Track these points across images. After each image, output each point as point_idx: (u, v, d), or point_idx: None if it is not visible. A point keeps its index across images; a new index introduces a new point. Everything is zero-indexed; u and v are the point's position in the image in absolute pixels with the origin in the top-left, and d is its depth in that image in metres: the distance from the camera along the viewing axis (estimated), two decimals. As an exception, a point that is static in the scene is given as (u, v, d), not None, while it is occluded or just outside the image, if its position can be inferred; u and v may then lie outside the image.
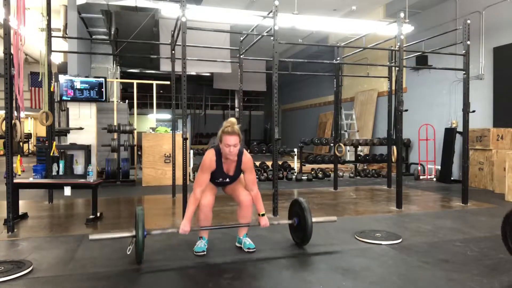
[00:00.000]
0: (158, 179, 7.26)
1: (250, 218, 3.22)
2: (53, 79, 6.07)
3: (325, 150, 13.17)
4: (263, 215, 3.14)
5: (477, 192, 6.42)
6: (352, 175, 8.66)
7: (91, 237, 2.84)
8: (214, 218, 3.32)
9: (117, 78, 10.25)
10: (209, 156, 2.99)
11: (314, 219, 3.21)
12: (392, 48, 6.67)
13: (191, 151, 8.16)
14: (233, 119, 2.98)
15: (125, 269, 2.78)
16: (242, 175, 3.21)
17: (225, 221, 4.18)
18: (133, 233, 2.80)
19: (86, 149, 7.05)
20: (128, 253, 2.77)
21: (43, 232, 3.82)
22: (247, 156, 3.09)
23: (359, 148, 9.16)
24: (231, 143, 2.87)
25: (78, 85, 7.37)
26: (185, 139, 4.19)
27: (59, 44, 9.08)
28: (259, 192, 3.16)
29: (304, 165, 8.69)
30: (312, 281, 2.56)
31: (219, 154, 3.00)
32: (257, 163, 8.56)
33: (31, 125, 20.04)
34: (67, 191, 4.30)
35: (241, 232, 3.25)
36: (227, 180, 3.14)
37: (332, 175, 7.61)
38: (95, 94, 7.47)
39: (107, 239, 2.99)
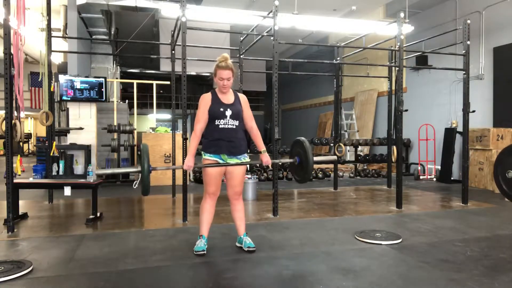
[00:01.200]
0: (158, 179, 7.25)
1: (243, 211, 3.27)
2: (53, 79, 6.07)
3: (325, 150, 13.17)
4: (264, 151, 3.18)
5: (477, 192, 6.42)
6: (352, 175, 8.67)
7: (97, 172, 2.90)
8: (214, 218, 3.32)
9: (117, 78, 10.25)
10: (204, 95, 3.13)
11: (315, 158, 3.26)
12: (392, 48, 6.67)
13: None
14: (226, 54, 3.09)
15: (125, 269, 2.78)
16: (242, 172, 3.20)
17: (225, 221, 4.18)
18: (139, 168, 2.84)
19: (86, 149, 7.05)
20: (134, 187, 2.78)
21: (43, 232, 3.82)
22: (242, 94, 3.24)
23: (359, 148, 9.16)
24: (225, 77, 3.00)
25: (78, 85, 7.37)
26: (185, 139, 4.19)
27: (59, 44, 9.09)
28: (258, 130, 3.22)
29: (304, 165, 8.68)
30: (312, 281, 2.56)
31: (214, 92, 3.12)
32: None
33: (31, 125, 20.04)
34: (67, 191, 4.30)
35: (241, 230, 3.25)
36: (229, 111, 3.04)
37: (332, 175, 7.61)
38: (95, 94, 7.48)
39: (113, 173, 3.02)
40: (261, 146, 3.19)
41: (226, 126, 3.03)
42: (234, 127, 3.06)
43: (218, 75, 3.01)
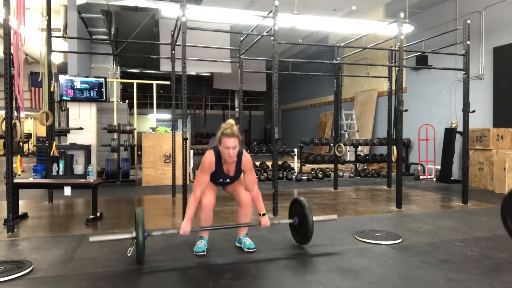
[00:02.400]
0: (158, 179, 7.26)
1: (250, 218, 3.22)
2: (53, 79, 6.07)
3: (325, 150, 13.17)
4: (263, 214, 3.14)
5: (477, 192, 6.42)
6: (352, 175, 8.66)
7: (91, 239, 2.82)
8: (214, 218, 3.32)
9: (117, 78, 10.25)
10: (209, 157, 2.99)
11: (315, 218, 3.20)
12: (392, 48, 6.67)
13: (191, 151, 8.16)
14: (231, 121, 2.98)
15: (125, 269, 2.78)
16: (242, 175, 3.21)
17: (225, 221, 4.18)
18: (134, 234, 2.79)
19: (86, 149, 7.05)
20: (129, 254, 2.77)
21: (43, 232, 3.82)
22: (246, 156, 3.08)
23: (359, 148, 9.16)
24: (230, 145, 2.86)
25: (78, 85, 7.37)
26: (185, 139, 4.19)
27: (59, 44, 9.09)
28: (260, 192, 3.16)
29: (304, 165, 8.70)
30: (312, 281, 2.56)
31: (218, 155, 2.99)
32: (257, 163, 8.56)
33: (31, 125, 20.04)
34: (67, 191, 4.30)
35: (241, 232, 3.25)
36: (228, 180, 3.14)
37: (332, 175, 7.61)
38: (95, 94, 7.47)
39: (107, 241, 2.98)
40: (261, 209, 3.14)
41: (224, 182, 3.17)
42: (230, 183, 3.21)
43: (224, 144, 2.87)
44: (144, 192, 6.45)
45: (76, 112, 7.53)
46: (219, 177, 3.09)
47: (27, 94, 14.86)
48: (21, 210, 4.47)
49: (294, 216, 3.34)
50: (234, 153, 2.91)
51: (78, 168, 7.24)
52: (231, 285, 2.50)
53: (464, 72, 5.29)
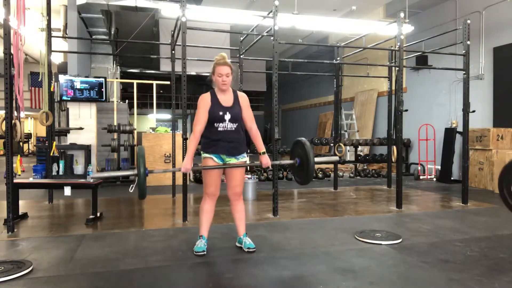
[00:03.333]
0: (158, 179, 7.26)
1: (244, 211, 3.25)
2: (53, 79, 6.07)
3: (325, 150, 13.17)
4: (264, 153, 3.14)
5: (477, 192, 6.42)
6: (352, 175, 8.66)
7: (93, 175, 2.87)
8: (214, 217, 3.33)
9: (117, 78, 10.25)
10: (203, 94, 3.08)
11: (316, 159, 3.18)
12: (392, 48, 6.67)
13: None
14: (223, 54, 3.07)
15: (125, 269, 2.78)
16: (241, 173, 3.20)
17: (225, 221, 4.18)
18: (135, 171, 2.81)
19: (86, 149, 7.05)
20: (131, 191, 2.76)
21: (43, 232, 3.82)
22: (242, 93, 3.18)
23: (359, 148, 9.16)
24: (224, 72, 2.97)
25: (78, 85, 7.37)
26: (185, 139, 4.19)
27: (59, 44, 9.09)
28: (258, 130, 3.18)
29: (304, 165, 8.68)
30: (312, 281, 2.56)
31: (213, 92, 3.08)
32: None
33: (31, 125, 20.04)
34: (67, 191, 4.30)
35: (241, 230, 3.25)
36: (228, 114, 3.02)
37: (332, 175, 7.61)
38: (95, 94, 7.47)
39: (109, 177, 2.98)
40: (261, 148, 3.16)
41: (225, 129, 3.03)
42: (233, 129, 3.05)
43: (217, 72, 3.00)
44: (146, 193, 6.43)
45: (76, 112, 7.53)
46: (217, 111, 3.00)
47: (27, 94, 14.86)
48: (21, 210, 4.47)
49: (295, 157, 3.31)
50: (228, 80, 3.00)
51: (78, 168, 7.24)
52: (231, 285, 2.50)
53: (464, 72, 5.29)
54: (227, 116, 3.02)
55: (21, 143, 13.94)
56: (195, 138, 2.99)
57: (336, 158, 3.56)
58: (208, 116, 3.01)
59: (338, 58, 6.66)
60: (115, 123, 7.78)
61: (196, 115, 3.03)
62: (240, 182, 3.18)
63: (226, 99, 3.07)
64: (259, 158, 3.17)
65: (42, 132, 16.68)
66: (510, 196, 2.63)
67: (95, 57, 10.32)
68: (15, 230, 3.79)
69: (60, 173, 6.73)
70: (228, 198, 3.22)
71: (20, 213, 4.32)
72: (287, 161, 3.40)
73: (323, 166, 9.02)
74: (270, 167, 3.18)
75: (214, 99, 3.05)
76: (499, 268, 2.81)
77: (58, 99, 7.31)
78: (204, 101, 3.03)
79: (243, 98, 3.15)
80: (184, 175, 4.23)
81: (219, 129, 3.02)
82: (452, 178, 7.66)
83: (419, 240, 3.52)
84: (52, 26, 5.34)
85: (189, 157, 2.97)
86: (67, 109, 7.63)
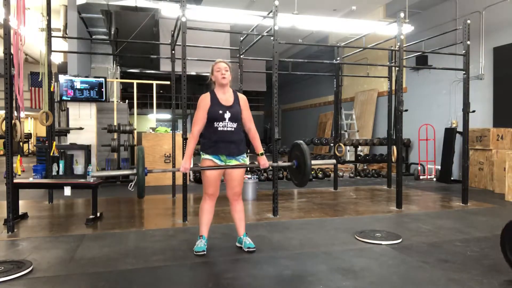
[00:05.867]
0: (158, 179, 7.26)
1: (243, 212, 3.26)
2: (53, 79, 6.07)
3: (325, 150, 13.16)
4: (262, 154, 3.16)
5: (477, 192, 6.42)
6: (352, 175, 8.66)
7: (93, 174, 2.89)
8: (214, 217, 3.33)
9: (117, 78, 10.25)
10: (203, 96, 3.10)
11: (313, 162, 3.22)
12: (392, 48, 6.68)
13: (191, 151, 8.15)
14: (220, 59, 3.16)
15: (125, 269, 2.78)
16: (241, 174, 3.20)
17: (225, 221, 4.18)
18: (135, 171, 2.83)
19: (86, 149, 7.05)
20: (130, 189, 2.77)
21: (43, 232, 3.82)
22: (242, 94, 3.21)
23: (359, 148, 9.16)
24: (222, 67, 3.03)
25: (78, 85, 7.37)
26: (185, 139, 4.19)
27: (59, 44, 9.10)
28: (257, 131, 3.20)
29: (304, 165, 8.68)
30: (312, 281, 2.56)
31: (213, 92, 3.10)
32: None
33: (31, 125, 20.04)
34: (67, 191, 4.30)
35: (240, 230, 3.25)
36: (228, 113, 3.02)
37: (332, 175, 7.61)
38: (95, 94, 7.47)
39: (109, 176, 3.00)
40: (259, 149, 3.17)
41: (225, 129, 3.02)
42: (233, 129, 3.05)
43: (216, 69, 3.06)
44: (144, 192, 6.43)
45: (76, 112, 7.53)
46: (217, 109, 3.00)
47: (27, 94, 14.86)
48: (21, 210, 4.47)
49: (293, 159, 3.34)
50: (227, 74, 3.04)
51: (78, 168, 7.24)
52: (231, 285, 2.50)
53: (464, 72, 5.29)
54: (227, 115, 3.02)
55: (21, 143, 13.95)
56: (193, 138, 3.01)
57: (333, 161, 3.57)
58: (208, 115, 3.01)
59: (338, 58, 6.66)
60: (115, 123, 7.78)
61: (195, 115, 3.05)
62: (239, 183, 3.18)
63: (226, 98, 3.08)
64: (257, 159, 3.18)
65: (42, 132, 16.69)
66: None
67: (95, 57, 10.32)
68: (15, 230, 3.79)
69: (60, 173, 6.73)
70: (228, 199, 3.22)
71: (20, 213, 4.32)
72: (284, 163, 3.42)
73: (323, 166, 9.02)
74: (270, 167, 3.19)
75: (214, 98, 3.06)
76: (499, 268, 2.81)
77: (58, 99, 7.31)
78: (204, 101, 3.04)
79: (243, 99, 3.17)
80: (184, 175, 4.23)
81: (218, 128, 3.01)
82: (452, 178, 7.66)
83: (419, 240, 3.52)
84: (52, 26, 5.34)
85: (188, 157, 2.99)
86: (67, 109, 7.63)
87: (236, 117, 3.06)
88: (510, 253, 2.60)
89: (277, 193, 4.55)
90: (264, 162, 3.15)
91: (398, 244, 3.38)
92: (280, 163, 3.45)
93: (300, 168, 3.24)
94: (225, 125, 3.02)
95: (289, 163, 3.34)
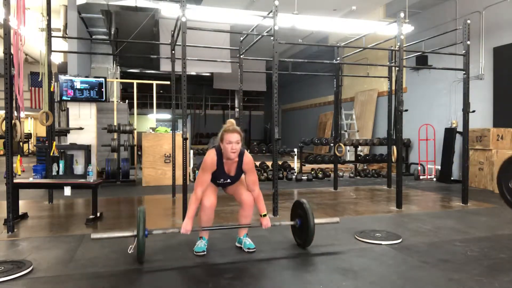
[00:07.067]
0: (158, 179, 7.26)
1: (251, 218, 3.22)
2: (53, 79, 6.06)
3: (325, 150, 13.17)
4: (264, 215, 3.13)
5: (477, 192, 6.42)
6: (352, 175, 8.66)
7: (93, 236, 2.84)
8: (215, 218, 3.32)
9: (117, 78, 10.25)
10: (210, 156, 3.00)
11: (316, 221, 3.18)
12: (392, 48, 6.68)
13: (191, 151, 8.16)
14: (232, 120, 3.06)
15: (125, 269, 2.78)
16: (243, 176, 3.21)
17: (225, 221, 4.18)
18: (135, 232, 2.80)
19: (86, 149, 7.05)
20: (130, 252, 2.77)
21: (43, 232, 3.82)
22: (248, 156, 3.09)
23: (359, 148, 9.16)
24: (233, 140, 2.89)
25: (78, 85, 7.37)
26: (185, 139, 4.19)
27: (59, 44, 9.09)
28: (261, 193, 3.16)
29: (304, 165, 8.70)
30: (312, 281, 2.56)
31: (220, 155, 3.00)
32: (257, 163, 8.56)
33: (31, 125, 20.03)
34: (67, 191, 4.30)
35: (241, 232, 3.25)
36: (228, 180, 3.14)
37: (332, 175, 7.61)
38: (95, 94, 7.47)
39: (109, 238, 2.99)
40: (263, 210, 3.14)
41: (224, 182, 3.16)
42: (231, 183, 3.20)
43: (226, 139, 2.90)
44: (144, 192, 6.45)
45: (76, 112, 7.53)
46: (220, 177, 3.09)
47: (27, 94, 14.85)
48: (21, 210, 4.47)
49: (295, 218, 3.33)
50: (237, 147, 2.92)
51: (78, 168, 7.24)
52: (231, 285, 2.50)
53: (464, 72, 5.29)
54: (227, 180, 3.14)
55: (21, 143, 13.94)
56: (196, 200, 2.96)
57: (336, 219, 3.53)
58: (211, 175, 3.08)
59: (338, 58, 6.66)
60: (115, 123, 7.78)
61: (199, 175, 3.01)
62: (243, 188, 3.19)
63: (230, 167, 3.08)
64: (260, 220, 3.15)
65: (42, 132, 16.68)
66: (509, 192, 2.62)
67: (95, 57, 10.31)
68: (15, 230, 3.79)
69: (60, 173, 6.73)
70: (227, 198, 3.22)
71: (20, 213, 4.32)
72: (287, 222, 3.39)
73: (323, 166, 9.03)
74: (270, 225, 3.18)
75: (220, 164, 3.03)
76: (499, 268, 2.81)
77: (58, 99, 7.31)
78: (211, 163, 3.00)
79: (248, 164, 3.09)
80: (184, 175, 4.23)
81: (217, 182, 3.15)
82: (452, 178, 7.66)
83: (419, 240, 3.52)
84: (52, 26, 5.34)
85: (190, 218, 2.93)
86: (67, 109, 7.62)
87: (236, 181, 3.20)
88: (505, 188, 2.60)
89: (277, 193, 4.55)
90: (266, 222, 3.12)
91: (398, 244, 3.38)
92: (283, 222, 3.44)
93: (303, 228, 3.22)
94: (224, 181, 3.16)
95: (291, 222, 3.34)
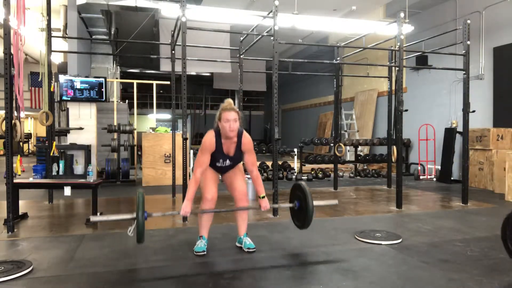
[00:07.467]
0: (158, 179, 7.26)
1: (248, 203, 3.23)
2: (53, 79, 6.06)
3: (325, 150, 13.17)
4: (263, 197, 3.11)
5: (477, 192, 6.42)
6: (352, 175, 8.66)
7: (92, 218, 2.85)
8: (214, 217, 3.32)
9: (117, 78, 10.25)
10: (209, 136, 3.00)
11: (315, 203, 3.15)
12: (392, 48, 6.68)
13: (191, 151, 8.17)
14: (230, 99, 3.04)
15: (125, 269, 2.78)
16: (240, 165, 3.22)
17: (225, 221, 4.18)
18: (134, 215, 2.80)
19: (86, 149, 7.05)
20: (129, 234, 2.75)
21: (43, 232, 3.82)
22: (247, 137, 3.09)
23: (359, 148, 9.16)
24: (231, 118, 2.88)
25: (78, 85, 7.37)
26: (185, 139, 4.20)
27: (59, 44, 9.09)
28: (259, 174, 3.15)
29: (304, 165, 8.70)
30: (312, 281, 2.56)
31: (218, 135, 3.00)
32: (257, 163, 8.56)
33: (31, 125, 20.04)
34: (67, 191, 4.30)
35: (241, 230, 3.24)
36: (227, 162, 3.09)
37: (332, 175, 7.61)
38: (95, 94, 7.47)
39: (108, 221, 2.97)
40: (261, 192, 3.12)
41: (223, 165, 3.13)
42: (231, 164, 3.16)
43: (224, 118, 2.89)
44: (144, 192, 6.41)
45: (76, 112, 7.53)
46: (218, 158, 3.05)
47: (27, 94, 14.85)
48: (21, 210, 4.47)
49: (294, 200, 3.30)
50: (235, 126, 2.91)
51: (78, 168, 7.24)
52: (231, 285, 2.50)
53: (464, 72, 5.29)
54: (227, 162, 3.11)
55: (21, 143, 13.94)
56: (196, 182, 2.94)
57: (335, 201, 3.52)
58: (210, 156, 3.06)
59: (338, 58, 6.66)
60: (115, 123, 7.78)
61: (198, 157, 3.01)
62: (241, 182, 3.18)
63: (229, 148, 3.05)
64: (259, 201, 3.14)
65: (42, 132, 16.68)
66: None
67: (95, 57, 10.32)
68: (15, 230, 3.79)
69: (60, 173, 6.73)
70: (227, 198, 3.22)
71: (20, 213, 4.32)
72: (286, 205, 3.38)
73: (323, 166, 9.03)
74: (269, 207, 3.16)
75: (219, 144, 3.01)
76: (499, 268, 2.82)
77: (58, 99, 7.31)
78: (210, 144, 2.98)
79: (247, 144, 3.08)
80: (184, 175, 4.23)
81: (217, 164, 3.11)
82: (452, 178, 7.65)
83: (419, 240, 3.52)
84: (52, 26, 5.34)
85: (189, 200, 2.92)
86: (67, 109, 7.62)
87: (236, 162, 3.16)
88: (510, 243, 2.59)
89: (277, 193, 4.55)
90: (265, 204, 3.10)
91: (398, 244, 3.38)
92: (281, 205, 3.43)
93: (301, 210, 3.19)
94: (223, 163, 3.11)
95: (290, 204, 3.32)
